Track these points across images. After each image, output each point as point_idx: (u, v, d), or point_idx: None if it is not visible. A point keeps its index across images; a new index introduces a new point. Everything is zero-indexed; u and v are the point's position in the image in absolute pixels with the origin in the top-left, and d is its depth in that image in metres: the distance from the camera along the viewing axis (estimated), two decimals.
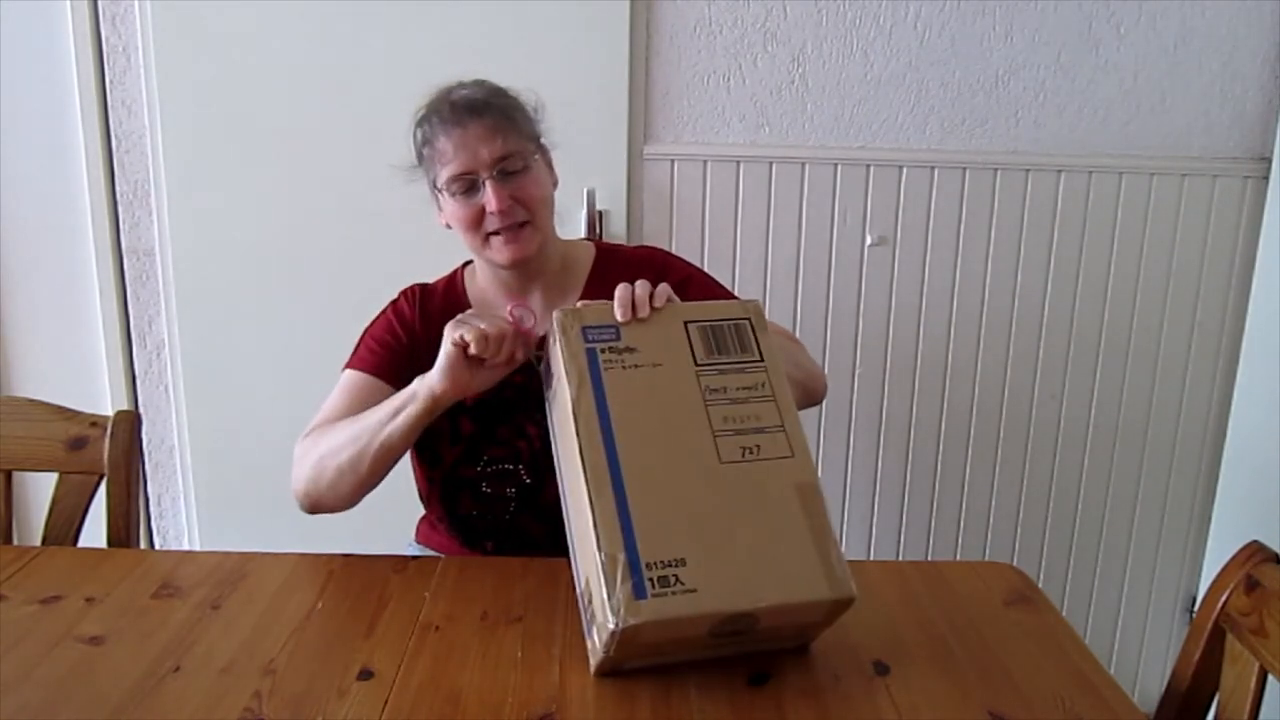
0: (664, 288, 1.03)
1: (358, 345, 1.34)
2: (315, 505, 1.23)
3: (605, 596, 0.85)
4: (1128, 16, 1.85)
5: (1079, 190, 1.92)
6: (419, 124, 1.27)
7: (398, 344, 1.31)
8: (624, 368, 0.95)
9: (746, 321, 1.01)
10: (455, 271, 1.39)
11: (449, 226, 1.28)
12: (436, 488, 1.34)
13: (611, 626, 0.84)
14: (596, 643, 0.90)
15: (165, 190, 1.88)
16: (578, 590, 0.95)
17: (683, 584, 0.86)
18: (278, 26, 1.82)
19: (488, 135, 1.21)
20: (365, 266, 1.90)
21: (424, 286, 1.37)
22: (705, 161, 1.89)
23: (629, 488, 0.89)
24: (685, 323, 1.00)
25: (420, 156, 1.27)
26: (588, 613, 0.92)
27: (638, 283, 1.02)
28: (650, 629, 0.84)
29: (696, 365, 0.97)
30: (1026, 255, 1.95)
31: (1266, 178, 1.91)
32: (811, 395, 1.30)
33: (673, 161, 1.89)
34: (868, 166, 1.90)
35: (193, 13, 1.81)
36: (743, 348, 0.99)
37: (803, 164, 1.89)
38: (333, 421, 1.24)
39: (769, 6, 1.83)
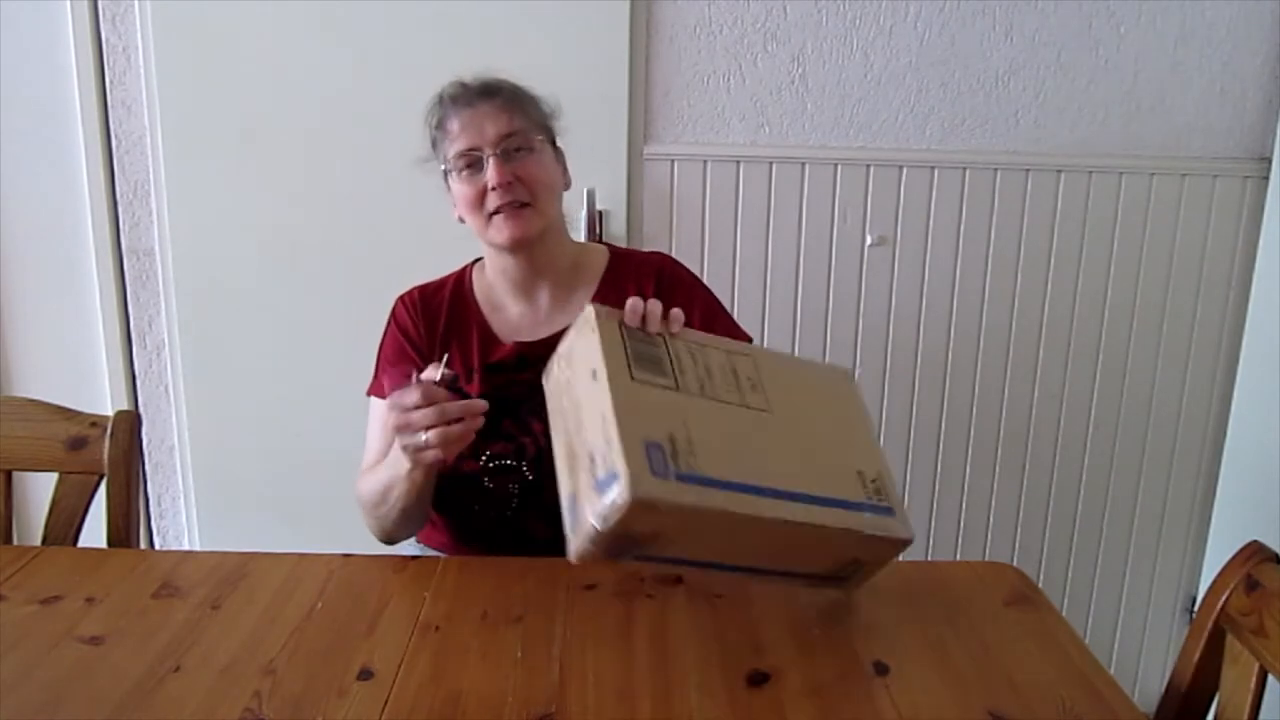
0: (677, 315, 1.00)
1: (376, 369, 1.36)
2: (386, 541, 1.30)
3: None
4: (1128, 16, 1.85)
5: (1079, 190, 1.92)
6: (432, 110, 1.29)
7: (411, 363, 1.32)
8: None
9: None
10: (463, 269, 1.39)
11: (462, 220, 1.29)
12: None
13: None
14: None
15: (165, 190, 1.88)
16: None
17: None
18: (278, 26, 1.82)
19: (494, 113, 1.24)
20: (366, 266, 1.90)
21: (422, 288, 1.37)
22: (705, 161, 1.89)
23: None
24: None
25: (434, 143, 1.29)
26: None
27: (651, 301, 1.00)
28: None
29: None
30: (1026, 255, 1.95)
31: (1266, 178, 1.91)
32: None
33: (673, 161, 1.89)
34: (868, 166, 1.90)
35: (193, 13, 1.81)
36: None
37: (803, 164, 1.89)
38: (376, 463, 1.29)
39: (769, 6, 1.83)
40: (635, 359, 0.92)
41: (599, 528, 0.84)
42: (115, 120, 1.88)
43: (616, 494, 0.83)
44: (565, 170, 1.33)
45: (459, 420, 1.05)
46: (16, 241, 1.93)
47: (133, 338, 1.97)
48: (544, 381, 1.03)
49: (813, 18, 1.84)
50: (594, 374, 0.91)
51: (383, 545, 1.28)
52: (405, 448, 1.08)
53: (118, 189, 1.91)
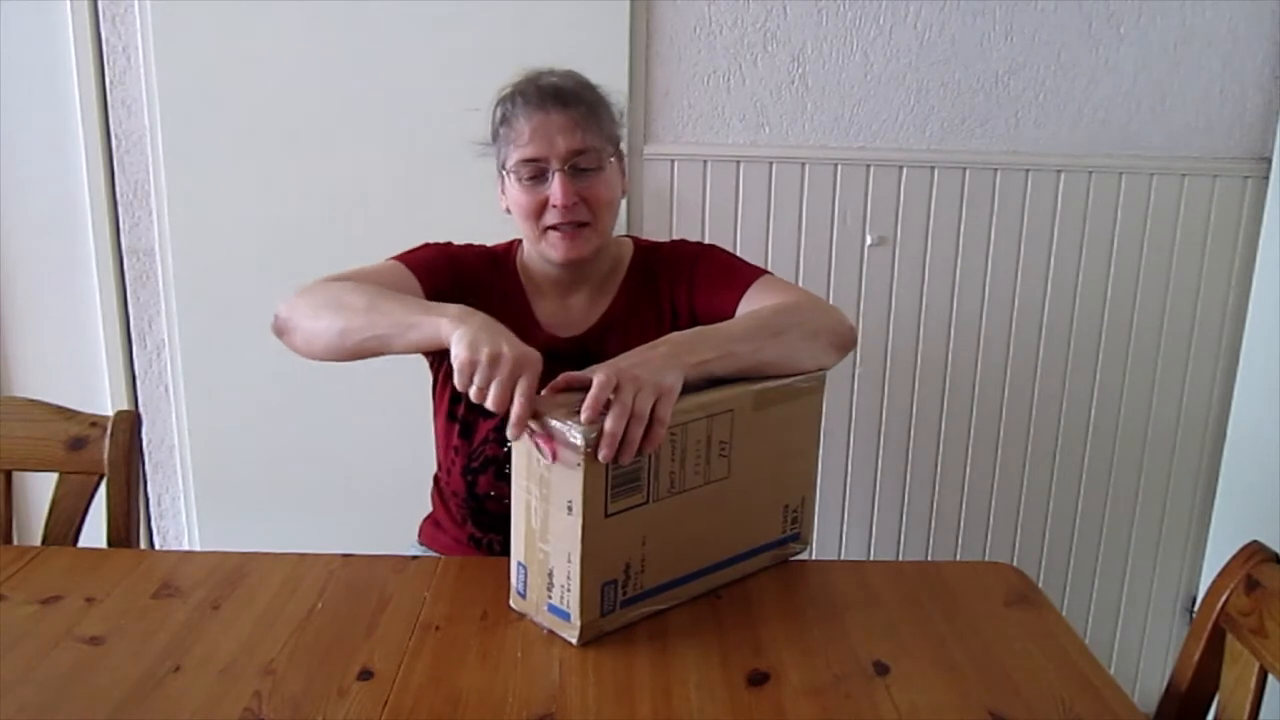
0: (656, 434, 0.94)
1: (410, 250, 1.31)
2: (284, 332, 1.22)
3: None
4: (1128, 16, 1.85)
5: (1079, 190, 1.92)
6: (500, 102, 1.25)
7: (450, 269, 1.29)
8: None
9: None
10: (514, 241, 1.36)
11: (509, 211, 1.26)
12: (460, 459, 1.32)
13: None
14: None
15: (165, 190, 1.88)
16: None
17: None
18: (278, 26, 1.82)
19: (569, 126, 1.19)
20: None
21: (488, 249, 1.36)
22: (705, 161, 1.89)
23: None
24: None
25: (495, 135, 1.25)
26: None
27: (633, 425, 0.91)
28: None
29: None
30: (1026, 255, 1.95)
31: (1266, 178, 1.91)
32: (840, 350, 1.18)
33: (673, 161, 1.89)
34: (868, 166, 1.90)
35: (193, 13, 1.81)
36: None
37: (803, 164, 1.89)
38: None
39: (769, 6, 1.83)
40: (614, 484, 0.95)
41: (546, 627, 1.01)
42: (115, 120, 1.88)
43: (566, 633, 0.99)
44: (624, 177, 1.30)
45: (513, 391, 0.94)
46: (16, 241, 1.93)
47: (133, 338, 1.97)
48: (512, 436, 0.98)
49: (813, 18, 1.84)
50: (569, 507, 0.95)
51: (382, 545, 1.28)
52: (470, 372, 0.95)
53: (118, 189, 1.91)
